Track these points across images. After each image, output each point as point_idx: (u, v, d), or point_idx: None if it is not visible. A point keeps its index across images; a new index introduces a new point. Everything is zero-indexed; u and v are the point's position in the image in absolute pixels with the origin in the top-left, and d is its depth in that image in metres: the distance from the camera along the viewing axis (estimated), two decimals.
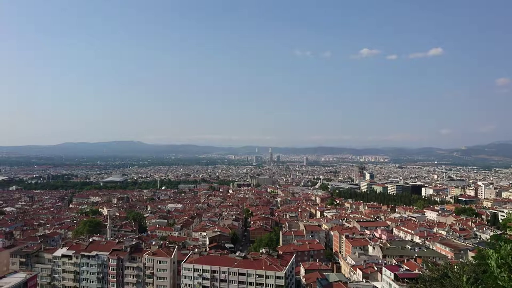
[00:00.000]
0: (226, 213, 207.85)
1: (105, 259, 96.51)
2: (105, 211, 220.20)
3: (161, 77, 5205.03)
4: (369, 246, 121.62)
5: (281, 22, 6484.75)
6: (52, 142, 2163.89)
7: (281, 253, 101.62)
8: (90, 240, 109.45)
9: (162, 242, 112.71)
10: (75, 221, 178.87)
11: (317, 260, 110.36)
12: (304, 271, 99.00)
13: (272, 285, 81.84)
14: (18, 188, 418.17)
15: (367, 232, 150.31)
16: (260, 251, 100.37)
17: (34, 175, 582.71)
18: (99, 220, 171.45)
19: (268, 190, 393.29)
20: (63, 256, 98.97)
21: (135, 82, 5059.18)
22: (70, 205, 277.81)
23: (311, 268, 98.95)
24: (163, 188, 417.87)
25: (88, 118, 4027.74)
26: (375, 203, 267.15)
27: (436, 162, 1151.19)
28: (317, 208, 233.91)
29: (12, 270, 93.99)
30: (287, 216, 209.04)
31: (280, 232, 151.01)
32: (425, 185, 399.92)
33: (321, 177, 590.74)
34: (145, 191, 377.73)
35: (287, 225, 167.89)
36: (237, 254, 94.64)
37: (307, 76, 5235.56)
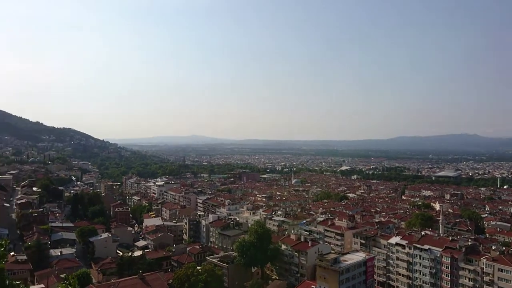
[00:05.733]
0: None
1: (438, 255, 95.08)
2: (437, 206, 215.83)
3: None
4: None
5: None
6: (386, 136, 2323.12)
7: None
8: (422, 233, 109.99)
9: (504, 248, 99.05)
10: (407, 213, 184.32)
11: None
12: None
13: None
14: (358, 178, 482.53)
15: None
16: None
17: (371, 166, 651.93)
18: (431, 215, 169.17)
19: None
20: (397, 244, 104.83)
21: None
22: (403, 197, 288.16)
23: None
24: (505, 187, 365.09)
25: (415, 111, 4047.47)
26: None
27: None
28: None
29: (354, 249, 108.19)
30: None
31: None
32: None
33: None
34: (482, 189, 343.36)
35: None
36: None
37: None
